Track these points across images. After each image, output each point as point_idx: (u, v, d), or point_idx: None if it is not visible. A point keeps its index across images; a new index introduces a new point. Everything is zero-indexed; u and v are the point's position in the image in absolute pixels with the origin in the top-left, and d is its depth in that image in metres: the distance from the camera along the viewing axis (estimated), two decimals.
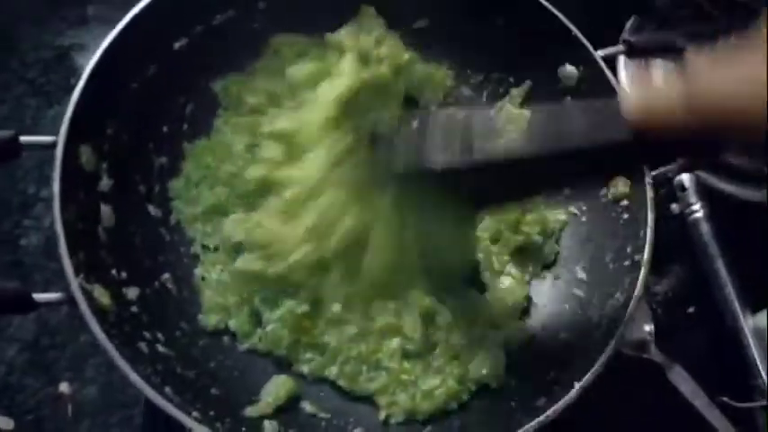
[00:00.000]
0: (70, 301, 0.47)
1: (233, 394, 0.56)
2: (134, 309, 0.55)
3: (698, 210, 0.73)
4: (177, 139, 0.65)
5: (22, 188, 0.86)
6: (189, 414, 0.47)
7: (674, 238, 0.74)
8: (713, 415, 0.64)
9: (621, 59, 0.78)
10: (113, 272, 0.55)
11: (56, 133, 0.52)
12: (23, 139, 0.50)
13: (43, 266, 0.83)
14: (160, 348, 0.53)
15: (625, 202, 0.63)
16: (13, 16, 0.95)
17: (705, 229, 0.73)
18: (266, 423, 0.53)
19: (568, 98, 0.67)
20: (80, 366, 0.78)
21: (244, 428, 0.52)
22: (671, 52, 0.66)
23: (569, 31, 0.65)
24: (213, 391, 0.55)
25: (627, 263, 0.59)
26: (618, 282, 0.58)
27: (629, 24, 0.81)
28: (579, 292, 0.63)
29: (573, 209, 0.68)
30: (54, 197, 0.49)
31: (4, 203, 0.85)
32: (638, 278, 0.55)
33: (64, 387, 0.77)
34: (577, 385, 0.50)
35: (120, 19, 0.94)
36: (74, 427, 0.75)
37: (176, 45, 0.65)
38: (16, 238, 0.84)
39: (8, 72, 0.92)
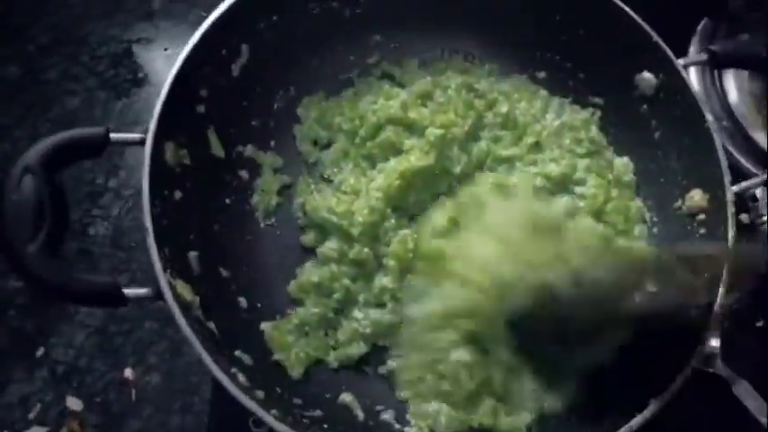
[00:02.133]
0: (158, 296, 0.48)
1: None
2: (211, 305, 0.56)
3: None
4: (263, 135, 0.67)
5: (90, 178, 0.89)
6: (268, 411, 0.47)
7: None
8: None
9: (692, 67, 0.76)
10: (192, 268, 0.56)
11: (125, 128, 0.54)
12: (113, 136, 0.51)
13: (110, 255, 0.86)
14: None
15: (702, 216, 0.61)
16: (82, 11, 0.98)
17: None
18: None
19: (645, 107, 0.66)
20: (144, 353, 0.80)
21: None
22: (755, 61, 0.64)
23: (650, 37, 0.63)
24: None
25: (703, 279, 0.57)
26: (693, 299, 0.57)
27: (700, 27, 0.79)
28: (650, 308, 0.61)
29: (646, 217, 0.66)
30: (143, 194, 0.50)
31: (73, 193, 0.88)
32: (715, 296, 0.54)
33: (128, 372, 0.79)
34: (654, 403, 0.50)
35: (184, 14, 0.97)
36: (137, 411, 0.77)
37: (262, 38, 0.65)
38: (84, 227, 0.86)
39: (79, 65, 0.95)
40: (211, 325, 0.55)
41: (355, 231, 0.59)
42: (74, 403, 0.77)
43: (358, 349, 0.59)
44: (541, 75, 0.72)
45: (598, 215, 0.64)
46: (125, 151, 0.89)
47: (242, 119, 0.66)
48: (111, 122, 0.90)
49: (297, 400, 0.55)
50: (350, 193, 0.62)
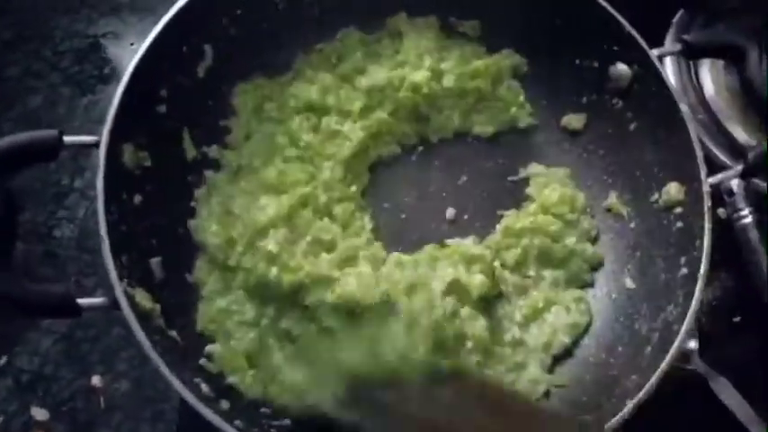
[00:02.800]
0: (114, 305, 0.46)
1: None
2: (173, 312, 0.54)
3: (746, 215, 0.70)
4: (228, 133, 0.65)
5: (56, 179, 0.86)
6: (231, 423, 0.46)
7: (721, 245, 0.72)
8: (758, 429, 0.62)
9: (668, 58, 0.75)
10: (155, 275, 0.54)
11: (90, 126, 0.51)
12: (67, 139, 0.49)
13: (76, 258, 0.83)
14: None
15: (679, 210, 0.60)
16: (46, 4, 0.95)
17: (753, 235, 0.70)
18: None
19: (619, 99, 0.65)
20: (112, 360, 0.78)
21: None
22: (731, 53, 0.63)
23: (623, 28, 0.62)
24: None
25: (680, 274, 0.57)
26: (670, 294, 0.56)
27: (676, 19, 0.78)
28: (626, 303, 0.61)
29: (621, 211, 0.65)
30: (98, 200, 0.48)
31: (39, 195, 0.85)
32: (693, 292, 0.53)
33: (96, 380, 0.77)
34: (630, 403, 0.49)
35: (152, 7, 0.94)
36: (106, 420, 0.75)
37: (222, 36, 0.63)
38: (50, 230, 0.84)
39: (42, 61, 0.91)
40: (174, 333, 0.52)
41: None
42: (39, 413, 0.75)
43: None
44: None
45: (545, 208, 0.63)
46: (90, 150, 0.86)
47: (206, 118, 0.64)
48: (77, 120, 0.87)
49: (264, 410, 0.53)
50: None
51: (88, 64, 0.92)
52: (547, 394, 0.57)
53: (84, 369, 0.77)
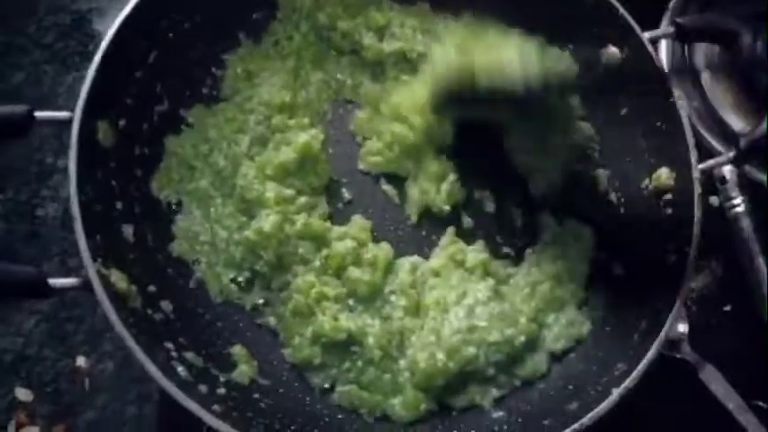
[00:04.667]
0: (87, 286, 0.45)
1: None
2: (154, 293, 0.53)
3: (739, 204, 0.70)
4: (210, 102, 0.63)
5: (39, 158, 0.84)
6: (209, 409, 0.45)
7: (713, 233, 0.71)
8: (746, 418, 0.62)
9: (664, 42, 0.74)
10: (131, 255, 0.53)
11: (74, 104, 0.50)
12: (39, 114, 0.47)
13: (61, 238, 0.82)
14: (182, 341, 0.52)
15: (668, 196, 0.59)
16: None
17: (746, 224, 0.69)
18: None
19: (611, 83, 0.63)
20: (97, 341, 0.77)
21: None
22: (724, 37, 0.62)
23: (616, 9, 0.60)
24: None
25: (669, 261, 0.56)
26: (658, 281, 0.55)
27: (672, 3, 0.77)
28: (614, 290, 0.60)
29: (611, 197, 0.64)
30: (70, 177, 0.47)
31: (21, 173, 0.83)
32: (681, 279, 0.52)
33: (81, 361, 0.76)
34: (615, 392, 0.48)
35: None
36: (91, 401, 0.74)
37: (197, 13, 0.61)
38: (33, 209, 0.82)
39: (24, 37, 0.89)
40: (153, 314, 0.52)
41: None
42: (23, 394, 0.74)
43: None
44: None
45: None
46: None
47: (187, 89, 0.62)
48: (60, 98, 0.85)
49: (255, 395, 0.52)
50: None
51: (72, 40, 0.90)
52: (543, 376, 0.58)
53: (68, 350, 0.76)
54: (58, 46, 0.90)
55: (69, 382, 0.75)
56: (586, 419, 0.47)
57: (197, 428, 0.63)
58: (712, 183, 0.71)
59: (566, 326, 0.58)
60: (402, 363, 0.56)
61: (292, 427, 0.51)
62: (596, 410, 0.48)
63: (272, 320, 0.58)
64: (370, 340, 0.56)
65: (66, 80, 0.88)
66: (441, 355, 0.54)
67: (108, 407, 0.75)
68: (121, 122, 0.55)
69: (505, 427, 0.53)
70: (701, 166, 0.57)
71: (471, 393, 0.56)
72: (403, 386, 0.55)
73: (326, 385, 0.56)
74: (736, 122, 0.72)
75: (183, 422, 0.68)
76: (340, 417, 0.55)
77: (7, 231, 0.79)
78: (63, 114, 0.49)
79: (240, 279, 0.59)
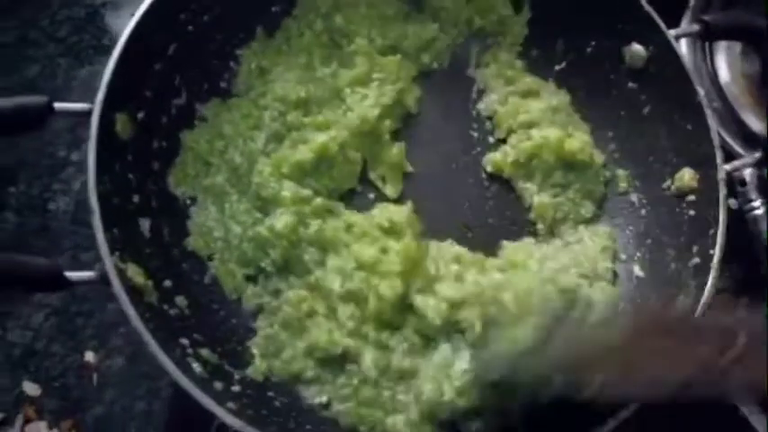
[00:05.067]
0: (103, 279, 0.44)
1: None
2: (169, 288, 0.52)
3: (758, 206, 0.68)
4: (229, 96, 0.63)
5: (52, 151, 0.84)
6: (224, 406, 0.44)
7: (731, 236, 0.70)
8: (759, 420, 0.61)
9: (684, 41, 0.73)
10: (147, 250, 0.52)
11: (88, 97, 0.49)
12: (57, 106, 0.47)
13: (72, 232, 0.81)
14: (197, 337, 0.51)
15: (691, 197, 0.58)
16: None
17: (765, 226, 0.68)
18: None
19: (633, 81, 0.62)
20: (107, 335, 0.77)
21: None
22: (751, 35, 0.61)
23: (640, 6, 0.60)
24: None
25: (692, 263, 0.55)
26: (681, 283, 0.55)
27: (693, 2, 0.76)
28: (635, 292, 0.59)
29: (632, 198, 0.63)
30: (89, 169, 0.46)
31: (33, 166, 0.83)
32: (705, 282, 0.51)
33: (90, 356, 0.75)
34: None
35: None
36: (99, 397, 0.74)
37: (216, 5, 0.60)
38: (45, 202, 0.82)
39: (38, 30, 0.89)
40: (169, 310, 0.51)
41: None
42: (31, 388, 0.73)
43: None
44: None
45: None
46: (89, 121, 0.84)
47: (205, 83, 0.61)
48: (74, 91, 0.85)
49: (269, 393, 0.51)
50: None
51: (86, 34, 0.89)
52: None
53: (77, 344, 0.76)
54: (72, 39, 0.90)
55: (78, 377, 0.74)
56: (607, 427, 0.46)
57: (206, 425, 0.63)
58: (731, 185, 0.70)
59: None
60: (402, 386, 0.53)
61: (307, 427, 0.51)
62: (624, 412, 0.47)
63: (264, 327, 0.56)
64: (368, 361, 0.53)
65: (80, 74, 0.88)
66: (449, 392, 0.51)
67: (116, 402, 0.74)
68: (140, 115, 0.54)
69: None
70: (726, 167, 0.56)
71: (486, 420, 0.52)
72: (406, 405, 0.52)
73: (321, 401, 0.54)
74: (758, 124, 0.71)
75: (192, 419, 0.67)
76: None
77: (19, 225, 0.79)
78: (82, 106, 0.48)
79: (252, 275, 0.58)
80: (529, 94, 0.66)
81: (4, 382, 0.73)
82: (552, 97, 0.66)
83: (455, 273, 0.55)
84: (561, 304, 0.53)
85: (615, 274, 0.60)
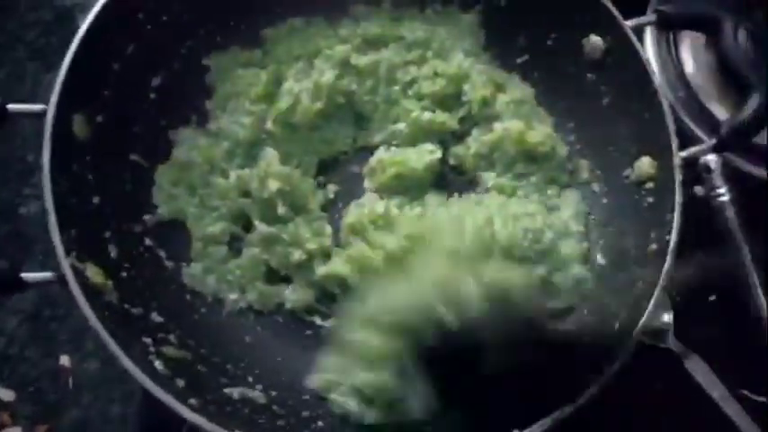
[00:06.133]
0: (61, 280, 0.44)
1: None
2: (129, 288, 0.52)
3: (723, 193, 0.68)
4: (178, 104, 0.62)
5: (21, 155, 0.84)
6: (185, 402, 0.44)
7: (697, 223, 0.71)
8: (732, 408, 0.62)
9: (649, 30, 0.73)
10: (109, 248, 0.52)
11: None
12: (12, 107, 0.47)
13: (43, 236, 0.81)
14: (160, 335, 0.51)
15: (650, 185, 0.59)
16: None
17: (731, 214, 0.68)
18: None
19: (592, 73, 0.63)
20: (81, 340, 0.77)
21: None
22: (706, 24, 0.61)
23: None
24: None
25: (650, 249, 0.55)
26: (640, 269, 0.55)
27: None
28: (597, 279, 0.59)
29: (594, 187, 0.64)
30: (44, 169, 0.46)
31: (3, 172, 0.83)
32: (662, 267, 0.52)
33: (64, 360, 0.76)
34: (595, 384, 0.48)
35: None
36: (75, 400, 0.74)
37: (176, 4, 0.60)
38: (15, 208, 0.82)
39: (5, 34, 0.89)
40: (129, 309, 0.51)
41: None
42: (4, 394, 0.73)
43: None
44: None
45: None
46: None
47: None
48: (43, 96, 0.85)
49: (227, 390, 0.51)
50: None
51: (54, 36, 0.89)
52: None
53: (51, 349, 0.76)
54: (41, 42, 0.90)
55: (53, 382, 0.74)
56: (566, 409, 0.46)
57: (178, 426, 0.63)
58: (697, 173, 0.70)
59: None
60: None
61: (278, 423, 0.51)
62: (576, 402, 0.48)
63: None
64: None
65: (47, 78, 0.88)
66: None
67: (92, 406, 0.75)
68: (99, 117, 0.54)
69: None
70: (682, 153, 0.57)
71: None
72: None
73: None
74: (721, 112, 0.72)
75: (165, 420, 0.67)
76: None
77: None
78: (37, 107, 0.48)
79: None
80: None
81: None
82: (516, 90, 0.66)
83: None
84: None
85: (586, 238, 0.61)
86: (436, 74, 0.65)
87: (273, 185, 0.56)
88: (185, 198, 0.59)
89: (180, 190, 0.59)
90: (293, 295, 0.58)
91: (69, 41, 0.90)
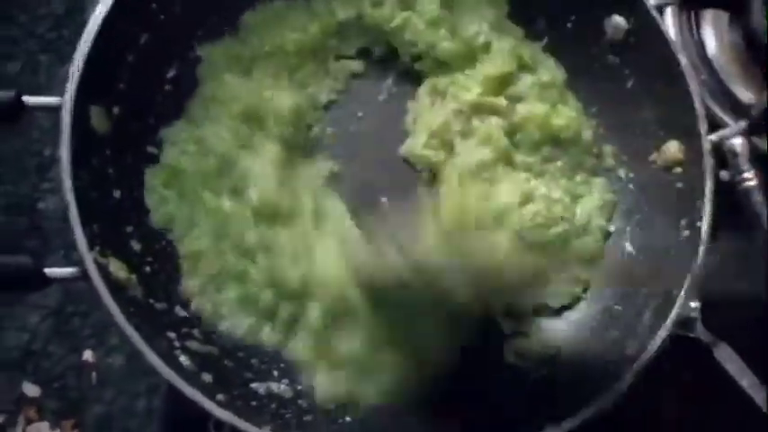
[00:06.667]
0: (84, 276, 0.44)
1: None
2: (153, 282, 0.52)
3: (750, 178, 0.67)
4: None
5: (38, 149, 0.84)
6: (213, 398, 0.44)
7: (723, 209, 0.70)
8: (761, 396, 0.61)
9: (669, 11, 0.72)
10: (131, 243, 0.52)
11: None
12: (28, 99, 0.46)
13: (63, 231, 0.81)
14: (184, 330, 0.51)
15: (678, 170, 0.58)
16: None
17: (757, 198, 0.67)
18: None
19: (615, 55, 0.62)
20: (104, 334, 0.77)
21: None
22: (732, 1, 0.60)
23: None
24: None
25: (681, 237, 0.54)
26: (670, 258, 0.54)
27: None
28: (626, 267, 0.58)
29: (620, 173, 0.62)
30: (63, 164, 0.46)
31: (21, 166, 0.83)
32: (696, 254, 0.51)
33: (88, 355, 0.76)
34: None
35: None
36: (99, 396, 0.74)
37: None
38: (34, 202, 0.82)
39: (17, 27, 0.88)
40: (153, 304, 0.51)
41: None
42: (30, 389, 0.74)
43: None
44: None
45: None
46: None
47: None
48: (57, 89, 0.85)
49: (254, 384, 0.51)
50: None
51: (66, 29, 0.89)
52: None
53: (75, 344, 0.76)
54: (52, 35, 0.89)
55: (77, 377, 0.75)
56: (599, 402, 0.46)
57: (203, 420, 0.63)
58: (722, 157, 0.69)
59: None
60: None
61: (305, 418, 0.50)
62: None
63: None
64: None
65: (61, 70, 0.88)
66: None
67: (116, 401, 0.75)
68: (115, 109, 0.53)
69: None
70: (711, 137, 0.55)
71: None
72: None
73: None
74: (745, 94, 0.70)
75: (190, 414, 0.67)
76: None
77: (7, 225, 0.79)
78: (53, 100, 0.48)
79: None
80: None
81: (4, 384, 0.73)
82: (545, 73, 0.64)
83: None
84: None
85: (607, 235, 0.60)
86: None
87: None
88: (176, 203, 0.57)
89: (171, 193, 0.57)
90: None
91: (81, 34, 0.90)
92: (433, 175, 0.61)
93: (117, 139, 0.53)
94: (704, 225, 0.53)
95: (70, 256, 0.76)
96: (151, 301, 0.51)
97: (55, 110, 0.48)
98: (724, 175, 0.69)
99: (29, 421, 0.72)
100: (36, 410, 0.73)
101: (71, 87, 0.48)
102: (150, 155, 0.57)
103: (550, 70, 0.64)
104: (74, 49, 0.87)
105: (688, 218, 0.55)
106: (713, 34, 0.73)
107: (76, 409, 0.74)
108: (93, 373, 0.75)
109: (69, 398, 0.74)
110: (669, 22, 0.71)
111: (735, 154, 0.68)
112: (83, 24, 0.90)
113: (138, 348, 0.44)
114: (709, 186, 0.54)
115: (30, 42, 0.87)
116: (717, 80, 0.71)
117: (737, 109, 0.69)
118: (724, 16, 0.73)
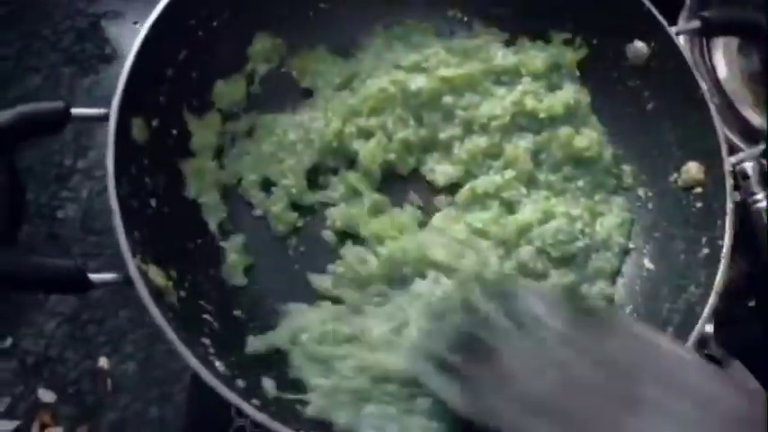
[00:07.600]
0: (126, 281, 0.45)
1: None
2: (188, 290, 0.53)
3: (761, 199, 0.69)
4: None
5: (58, 160, 0.85)
6: (249, 401, 0.45)
7: (736, 228, 0.71)
8: None
9: (681, 38, 0.74)
10: (167, 251, 0.53)
11: (94, 105, 0.50)
12: (74, 111, 0.47)
13: (81, 239, 0.82)
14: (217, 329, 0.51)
15: (698, 190, 0.59)
16: None
17: (766, 219, 0.69)
18: None
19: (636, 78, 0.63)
20: (119, 341, 0.77)
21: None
22: (750, 30, 0.62)
23: (641, 4, 0.61)
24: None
25: (701, 254, 0.56)
26: (692, 275, 0.55)
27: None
28: (646, 285, 0.60)
29: (639, 192, 0.64)
30: (108, 173, 0.47)
31: (41, 175, 0.84)
32: (716, 272, 0.52)
33: (103, 362, 0.76)
34: None
35: None
36: (113, 402, 0.74)
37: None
38: (53, 211, 0.83)
39: (41, 40, 0.90)
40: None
41: None
42: (46, 395, 0.74)
43: None
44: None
45: None
46: (93, 130, 0.85)
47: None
48: (78, 101, 0.86)
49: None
50: None
51: (88, 43, 0.91)
52: None
53: (90, 351, 0.77)
54: (75, 49, 0.91)
55: (92, 383, 0.75)
56: None
57: (223, 430, 0.63)
58: (734, 178, 0.71)
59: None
60: None
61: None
62: None
63: None
64: None
65: (83, 83, 0.89)
66: None
67: (130, 407, 0.75)
68: (154, 122, 0.55)
69: None
70: (732, 159, 0.57)
71: None
72: None
73: None
74: (757, 119, 0.72)
75: (209, 423, 0.68)
76: None
77: (28, 233, 0.80)
78: (99, 111, 0.49)
79: None
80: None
81: (19, 389, 0.74)
82: (571, 94, 0.66)
83: None
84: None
85: (625, 253, 0.61)
86: None
87: None
88: None
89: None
90: None
91: (103, 48, 0.91)
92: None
93: (154, 150, 0.54)
94: (726, 243, 0.54)
95: (88, 265, 0.77)
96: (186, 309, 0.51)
97: (98, 120, 0.49)
98: (735, 196, 0.72)
99: (44, 426, 0.73)
100: (51, 416, 0.73)
101: (116, 99, 0.49)
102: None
103: (575, 91, 0.66)
104: (96, 62, 0.90)
105: (708, 236, 0.56)
106: (724, 60, 0.75)
107: (91, 414, 0.74)
108: (108, 380, 0.75)
109: (84, 404, 0.75)
110: (683, 46, 0.73)
111: (746, 176, 0.70)
112: (104, 38, 0.92)
113: (179, 352, 0.44)
114: (729, 206, 0.55)
115: (52, 56, 0.89)
116: (728, 104, 0.73)
117: (748, 132, 0.71)
118: (734, 43, 0.76)
